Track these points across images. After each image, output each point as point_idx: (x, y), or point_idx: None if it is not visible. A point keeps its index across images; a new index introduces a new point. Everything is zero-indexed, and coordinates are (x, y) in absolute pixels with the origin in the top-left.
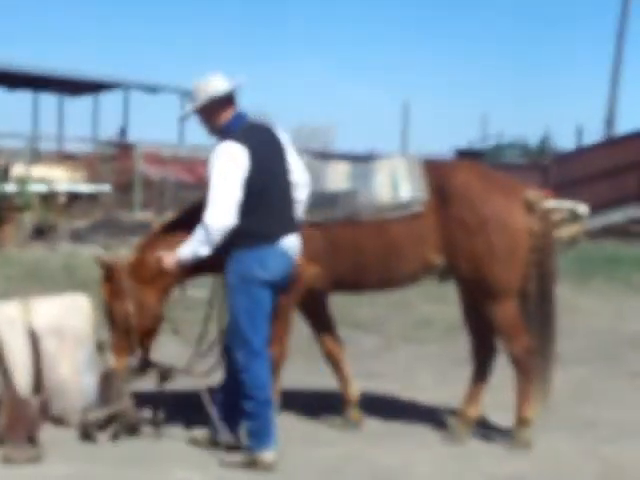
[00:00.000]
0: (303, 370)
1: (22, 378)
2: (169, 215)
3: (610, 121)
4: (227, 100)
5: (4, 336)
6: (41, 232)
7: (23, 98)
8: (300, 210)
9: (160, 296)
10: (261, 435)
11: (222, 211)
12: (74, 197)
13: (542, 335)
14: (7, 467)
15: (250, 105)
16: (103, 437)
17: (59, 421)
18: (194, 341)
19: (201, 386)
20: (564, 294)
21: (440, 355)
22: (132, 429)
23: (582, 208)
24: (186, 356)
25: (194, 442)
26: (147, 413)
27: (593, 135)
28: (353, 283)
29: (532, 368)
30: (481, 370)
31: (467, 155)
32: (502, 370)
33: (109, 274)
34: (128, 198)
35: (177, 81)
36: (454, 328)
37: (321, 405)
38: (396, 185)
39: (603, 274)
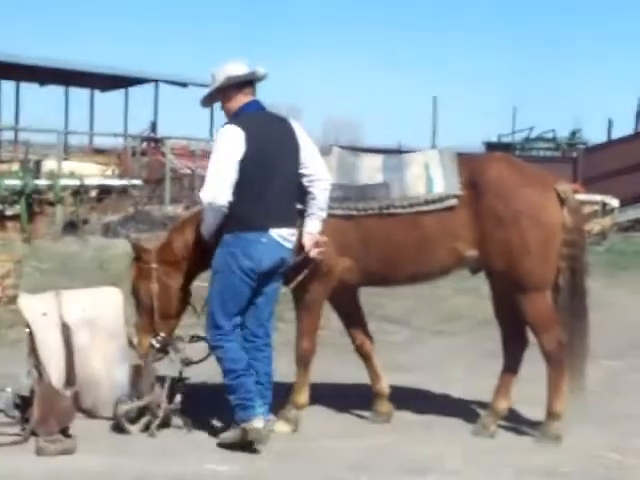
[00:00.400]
0: (333, 363)
1: (55, 371)
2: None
3: None
4: (244, 85)
5: (37, 329)
6: (73, 226)
7: (55, 93)
8: (319, 203)
9: (185, 280)
10: (245, 405)
11: (214, 189)
12: (105, 191)
13: (575, 329)
14: (40, 459)
15: (280, 98)
16: (135, 429)
17: (91, 413)
18: None
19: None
20: (594, 288)
21: (470, 348)
22: (163, 421)
23: (612, 201)
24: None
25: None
26: (178, 405)
27: (624, 128)
28: (385, 277)
29: (563, 361)
30: (511, 363)
31: (496, 148)
32: (532, 363)
33: (139, 255)
34: (158, 192)
35: (207, 76)
36: (484, 321)
37: (351, 398)
38: (430, 179)
39: (634, 267)
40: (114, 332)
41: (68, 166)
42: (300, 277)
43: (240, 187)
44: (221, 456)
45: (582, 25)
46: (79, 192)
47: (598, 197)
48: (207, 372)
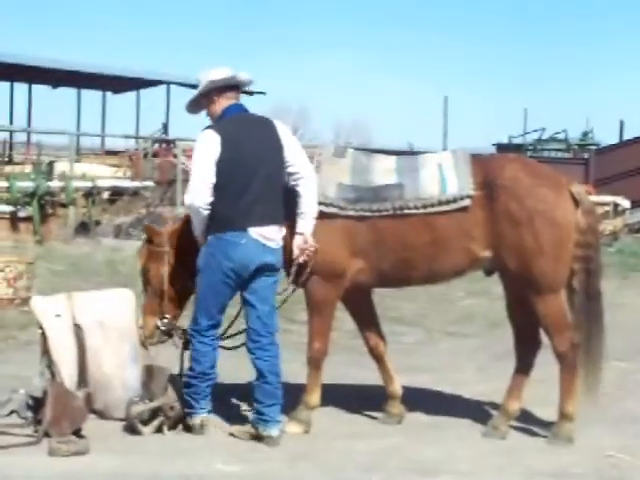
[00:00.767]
0: (344, 364)
1: (67, 372)
2: None
3: None
4: (227, 89)
5: (50, 331)
6: (85, 228)
7: (67, 95)
8: (307, 202)
9: (195, 266)
10: (191, 403)
11: (193, 192)
12: (117, 193)
13: (591, 331)
14: (53, 460)
15: (291, 100)
16: (147, 431)
17: (103, 414)
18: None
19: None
20: (605, 289)
21: (481, 350)
22: (176, 422)
23: (624, 202)
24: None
25: (236, 434)
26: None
27: (635, 129)
28: (398, 278)
29: (576, 363)
30: (523, 364)
31: (507, 149)
32: (544, 365)
33: (151, 237)
34: (170, 194)
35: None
36: (495, 323)
37: (363, 399)
38: (443, 179)
39: None
40: (126, 333)
41: (80, 168)
42: (304, 275)
43: (219, 189)
44: (232, 456)
45: (594, 26)
46: (91, 194)
47: (609, 198)
48: (223, 373)
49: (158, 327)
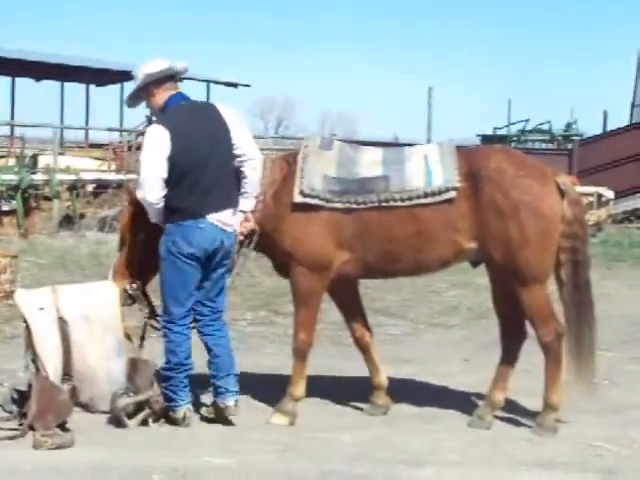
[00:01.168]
0: (329, 355)
1: (52, 365)
2: None
3: (636, 105)
4: (164, 80)
5: (34, 324)
6: (69, 221)
7: (50, 88)
8: (250, 183)
9: None
10: (171, 396)
11: (145, 188)
12: (101, 186)
13: (582, 321)
14: (38, 453)
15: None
16: (132, 423)
17: (88, 407)
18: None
19: None
20: (591, 279)
21: (466, 341)
22: (161, 415)
23: (607, 193)
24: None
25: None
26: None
27: (619, 120)
28: (384, 269)
29: (561, 353)
30: (509, 355)
31: (492, 141)
32: (530, 355)
33: (133, 201)
34: None
35: (203, 70)
36: (480, 314)
37: (349, 390)
38: (429, 171)
39: (629, 259)
40: (110, 326)
41: (64, 161)
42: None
43: (173, 182)
44: (218, 448)
45: (577, 17)
46: (75, 187)
47: (593, 189)
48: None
49: (126, 290)
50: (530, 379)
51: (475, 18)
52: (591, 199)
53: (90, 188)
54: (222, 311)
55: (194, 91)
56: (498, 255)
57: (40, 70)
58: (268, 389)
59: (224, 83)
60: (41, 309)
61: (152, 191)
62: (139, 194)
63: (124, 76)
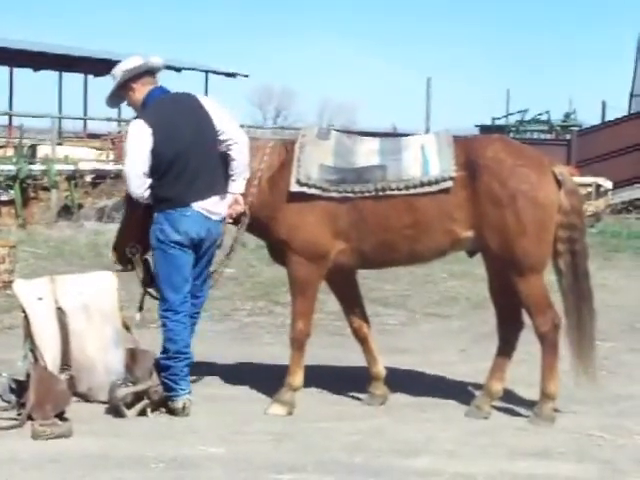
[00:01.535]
0: (327, 345)
1: (50, 355)
2: None
3: (635, 95)
4: (142, 76)
5: (32, 314)
6: (67, 211)
7: (49, 78)
8: (239, 165)
9: None
10: (171, 385)
11: (129, 184)
12: (99, 176)
13: (582, 311)
14: (36, 443)
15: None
16: (131, 413)
17: (87, 397)
18: None
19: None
20: (589, 270)
21: (464, 331)
22: (159, 405)
23: (606, 183)
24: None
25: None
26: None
27: (618, 110)
28: (381, 259)
29: (558, 343)
30: (506, 345)
31: (490, 131)
32: (527, 344)
33: None
34: None
35: (202, 60)
36: (478, 304)
37: (347, 380)
38: (426, 161)
39: (627, 249)
40: (109, 316)
41: (62, 151)
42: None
43: (158, 175)
44: (217, 438)
45: (575, 7)
46: (74, 177)
47: (591, 179)
48: (201, 353)
49: (125, 254)
50: (527, 369)
51: (474, 9)
52: (589, 189)
53: (88, 178)
54: (200, 312)
55: (193, 81)
56: (495, 244)
57: (38, 60)
58: (266, 379)
59: (223, 73)
60: (39, 299)
61: (136, 185)
62: (127, 188)
63: None
